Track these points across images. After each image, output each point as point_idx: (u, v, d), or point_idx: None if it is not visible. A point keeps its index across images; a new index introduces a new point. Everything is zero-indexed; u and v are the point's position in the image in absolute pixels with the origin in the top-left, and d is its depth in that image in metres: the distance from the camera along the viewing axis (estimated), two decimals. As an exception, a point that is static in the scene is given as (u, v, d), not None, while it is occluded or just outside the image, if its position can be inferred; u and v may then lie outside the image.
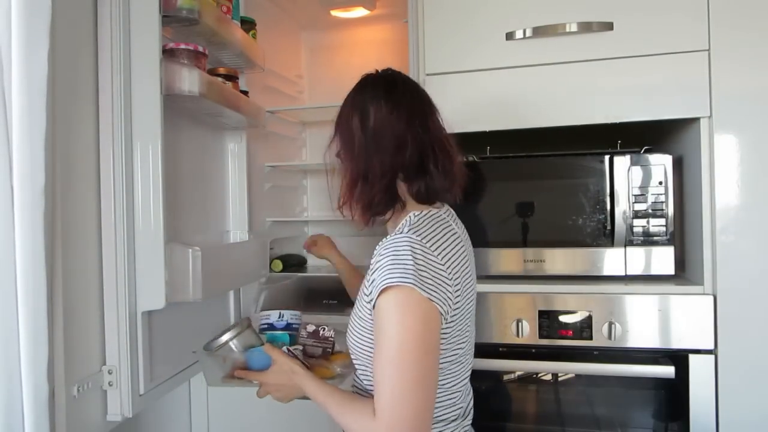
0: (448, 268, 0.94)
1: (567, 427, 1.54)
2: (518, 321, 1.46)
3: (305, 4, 2.04)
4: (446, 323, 0.93)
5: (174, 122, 1.39)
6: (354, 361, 1.04)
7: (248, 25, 1.62)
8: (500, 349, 1.49)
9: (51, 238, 0.93)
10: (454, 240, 1.00)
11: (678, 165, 1.54)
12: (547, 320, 1.45)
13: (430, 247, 0.93)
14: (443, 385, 0.98)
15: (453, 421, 1.02)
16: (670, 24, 1.39)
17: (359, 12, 2.06)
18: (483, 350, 1.50)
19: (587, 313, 1.43)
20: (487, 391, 1.57)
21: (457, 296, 0.95)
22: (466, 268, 1.01)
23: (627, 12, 1.41)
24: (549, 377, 1.56)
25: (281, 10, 2.07)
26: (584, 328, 1.43)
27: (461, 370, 1.03)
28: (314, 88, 2.30)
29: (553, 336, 1.45)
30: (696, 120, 1.40)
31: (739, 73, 1.36)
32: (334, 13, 2.07)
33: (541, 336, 1.46)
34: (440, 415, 0.99)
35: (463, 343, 1.01)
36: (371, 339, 0.95)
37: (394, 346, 0.87)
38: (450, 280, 0.93)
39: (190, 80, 1.23)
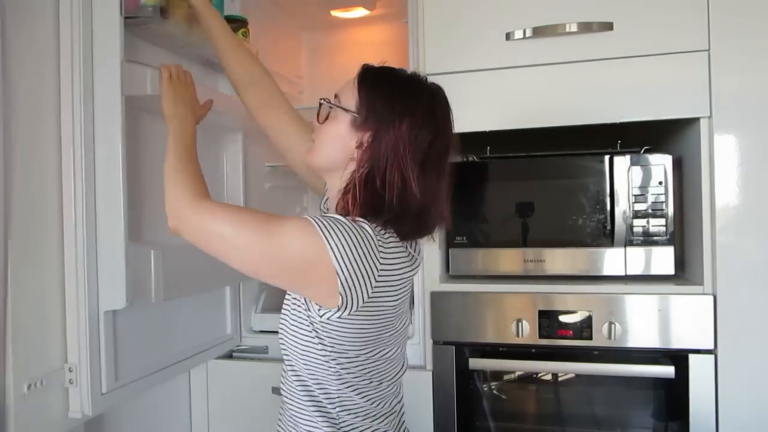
0: (386, 256, 0.90)
1: (567, 427, 1.55)
2: (518, 321, 1.46)
3: (305, 4, 2.04)
4: (362, 305, 0.89)
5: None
6: (286, 361, 1.00)
7: (237, 23, 1.53)
8: (500, 349, 1.49)
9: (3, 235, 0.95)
10: (404, 252, 0.96)
11: (678, 165, 1.54)
12: (547, 320, 1.45)
13: (380, 231, 0.90)
14: (374, 379, 0.97)
15: (383, 416, 1.00)
16: (670, 24, 1.39)
17: (359, 12, 2.06)
18: (483, 350, 1.51)
19: (587, 313, 1.43)
20: (488, 391, 1.58)
21: (382, 285, 0.90)
22: (406, 281, 0.97)
23: (627, 12, 1.41)
24: (549, 377, 1.56)
25: (281, 10, 2.07)
26: (584, 328, 1.43)
27: (391, 370, 1.01)
28: (314, 88, 2.29)
29: (553, 336, 1.45)
30: (696, 120, 1.40)
31: (739, 73, 1.36)
32: (334, 13, 2.07)
33: (541, 336, 1.46)
34: (372, 411, 0.98)
35: (394, 346, 1.00)
36: (304, 334, 0.93)
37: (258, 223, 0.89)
38: (379, 265, 0.89)
39: (151, 81, 1.21)
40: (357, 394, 0.95)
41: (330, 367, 0.93)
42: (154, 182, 1.43)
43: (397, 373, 1.03)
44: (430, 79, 1.47)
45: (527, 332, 1.46)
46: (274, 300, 1.87)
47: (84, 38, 1.14)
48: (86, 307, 1.15)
